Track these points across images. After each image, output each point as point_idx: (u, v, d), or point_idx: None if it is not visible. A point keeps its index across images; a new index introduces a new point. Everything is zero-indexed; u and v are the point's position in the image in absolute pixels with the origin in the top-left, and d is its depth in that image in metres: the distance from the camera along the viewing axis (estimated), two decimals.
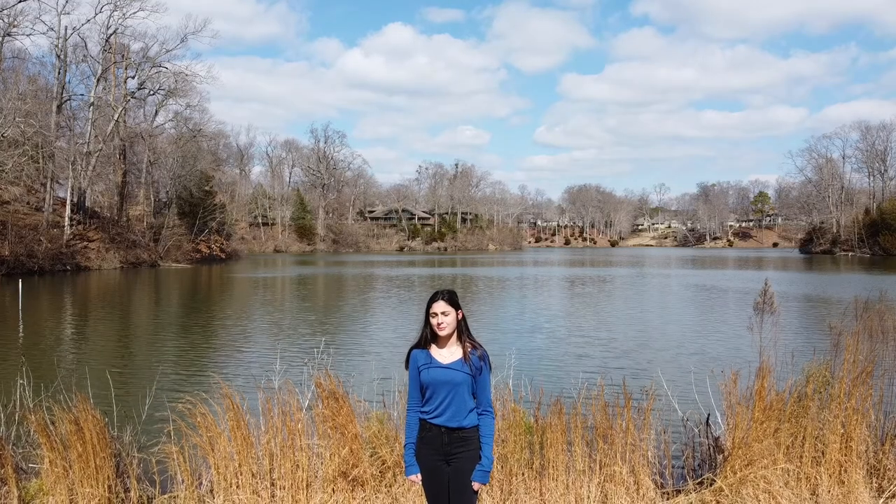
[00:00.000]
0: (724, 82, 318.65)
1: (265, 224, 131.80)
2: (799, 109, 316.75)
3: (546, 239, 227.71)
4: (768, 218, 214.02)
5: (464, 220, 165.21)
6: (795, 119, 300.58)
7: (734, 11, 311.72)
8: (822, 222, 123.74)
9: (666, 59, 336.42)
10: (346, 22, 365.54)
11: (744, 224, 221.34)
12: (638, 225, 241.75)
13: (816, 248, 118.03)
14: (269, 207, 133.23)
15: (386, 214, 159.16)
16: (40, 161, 54.02)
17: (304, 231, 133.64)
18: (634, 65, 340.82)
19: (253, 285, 41.42)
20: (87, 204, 62.39)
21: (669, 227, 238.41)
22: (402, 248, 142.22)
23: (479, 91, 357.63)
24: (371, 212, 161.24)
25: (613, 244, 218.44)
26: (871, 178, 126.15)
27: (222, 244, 79.95)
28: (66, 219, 56.22)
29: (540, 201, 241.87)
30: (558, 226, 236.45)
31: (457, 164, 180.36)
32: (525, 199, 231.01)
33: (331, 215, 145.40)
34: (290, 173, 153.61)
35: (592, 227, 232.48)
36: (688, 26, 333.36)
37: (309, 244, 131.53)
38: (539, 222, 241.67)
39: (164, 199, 74.10)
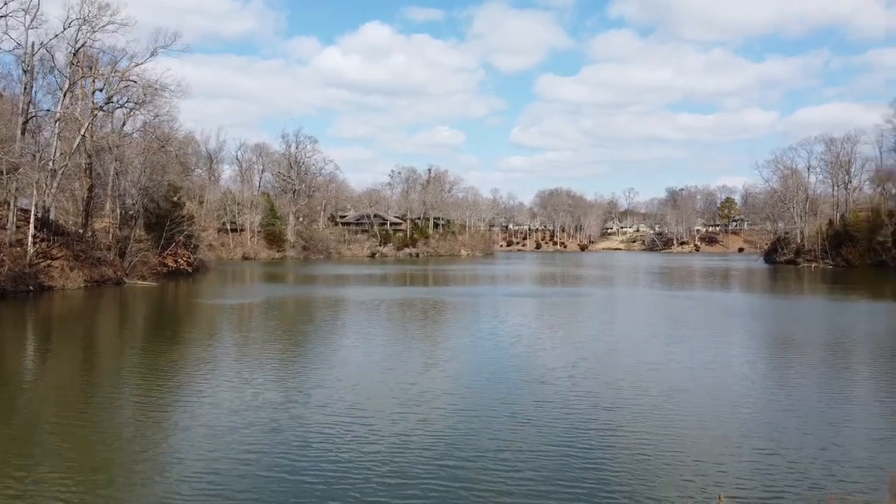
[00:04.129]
0: (700, 84, 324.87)
1: (234, 230, 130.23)
2: (771, 112, 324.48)
3: (518, 243, 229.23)
4: (734, 223, 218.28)
5: (436, 226, 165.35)
6: (767, 122, 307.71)
7: (711, 14, 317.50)
8: (787, 232, 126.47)
9: (643, 61, 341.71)
10: (324, 20, 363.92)
11: (710, 229, 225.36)
12: (607, 228, 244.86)
13: (781, 258, 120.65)
14: (239, 213, 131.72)
15: (358, 220, 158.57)
16: (4, 179, 52.66)
17: (273, 237, 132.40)
18: (611, 66, 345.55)
19: (218, 318, 41.00)
20: (52, 217, 61.00)
21: (638, 230, 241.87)
22: (373, 255, 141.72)
23: (458, 91, 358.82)
24: (343, 217, 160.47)
25: (583, 248, 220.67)
26: (835, 189, 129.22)
27: (189, 258, 78.73)
28: (30, 237, 54.88)
29: (512, 205, 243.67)
30: (529, 229, 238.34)
31: (429, 169, 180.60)
32: (497, 202, 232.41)
33: (301, 221, 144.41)
34: (261, 178, 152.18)
35: (563, 230, 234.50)
36: (665, 28, 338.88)
37: (279, 251, 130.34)
38: (511, 226, 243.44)
39: (130, 212, 72.72)
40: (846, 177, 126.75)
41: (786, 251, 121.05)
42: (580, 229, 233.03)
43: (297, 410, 17.79)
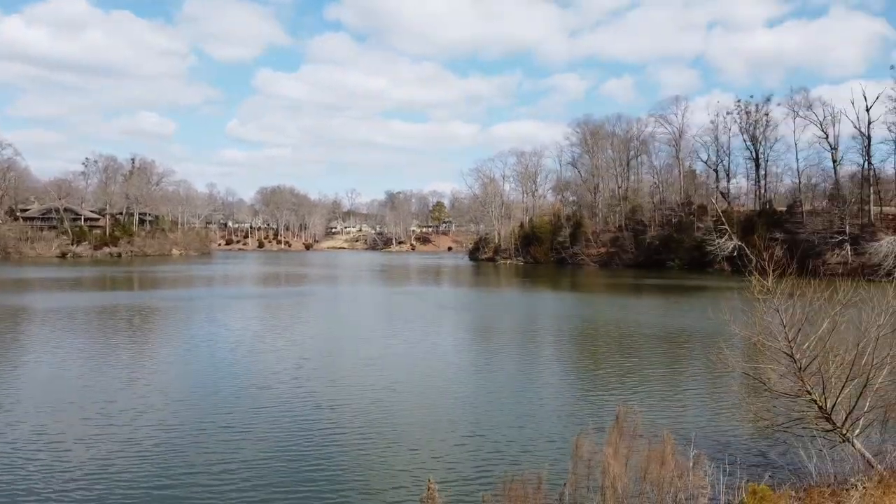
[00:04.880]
0: (412, 95, 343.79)
1: None
2: (473, 125, 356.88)
3: (238, 241, 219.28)
4: (444, 224, 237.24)
5: (142, 222, 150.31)
6: (470, 133, 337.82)
7: (421, 28, 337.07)
8: (487, 233, 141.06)
9: (359, 66, 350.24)
10: None
11: (424, 229, 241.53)
12: (332, 228, 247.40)
13: (482, 256, 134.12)
14: None
15: (43, 214, 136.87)
16: None
17: None
18: (330, 68, 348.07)
19: None
20: None
21: (360, 230, 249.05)
22: (64, 255, 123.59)
23: (165, 75, 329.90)
24: (25, 211, 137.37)
25: (308, 247, 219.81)
26: (525, 196, 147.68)
27: None
28: None
29: (231, 201, 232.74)
30: (251, 227, 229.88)
31: (133, 159, 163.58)
32: (214, 198, 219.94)
33: None
34: None
35: (287, 229, 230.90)
36: (379, 37, 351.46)
37: None
38: (231, 223, 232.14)
39: None
40: (533, 185, 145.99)
41: (486, 250, 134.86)
42: (305, 228, 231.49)
43: None
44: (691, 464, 11.02)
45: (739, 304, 16.02)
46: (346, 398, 19.36)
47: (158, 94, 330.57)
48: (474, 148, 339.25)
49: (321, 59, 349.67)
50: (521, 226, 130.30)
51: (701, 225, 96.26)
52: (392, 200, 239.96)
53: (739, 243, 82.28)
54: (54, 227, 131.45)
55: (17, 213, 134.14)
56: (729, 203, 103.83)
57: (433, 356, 26.66)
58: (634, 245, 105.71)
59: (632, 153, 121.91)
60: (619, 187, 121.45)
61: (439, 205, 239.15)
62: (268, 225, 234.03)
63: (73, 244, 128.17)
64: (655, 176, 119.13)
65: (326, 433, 15.98)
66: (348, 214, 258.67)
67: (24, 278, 70.43)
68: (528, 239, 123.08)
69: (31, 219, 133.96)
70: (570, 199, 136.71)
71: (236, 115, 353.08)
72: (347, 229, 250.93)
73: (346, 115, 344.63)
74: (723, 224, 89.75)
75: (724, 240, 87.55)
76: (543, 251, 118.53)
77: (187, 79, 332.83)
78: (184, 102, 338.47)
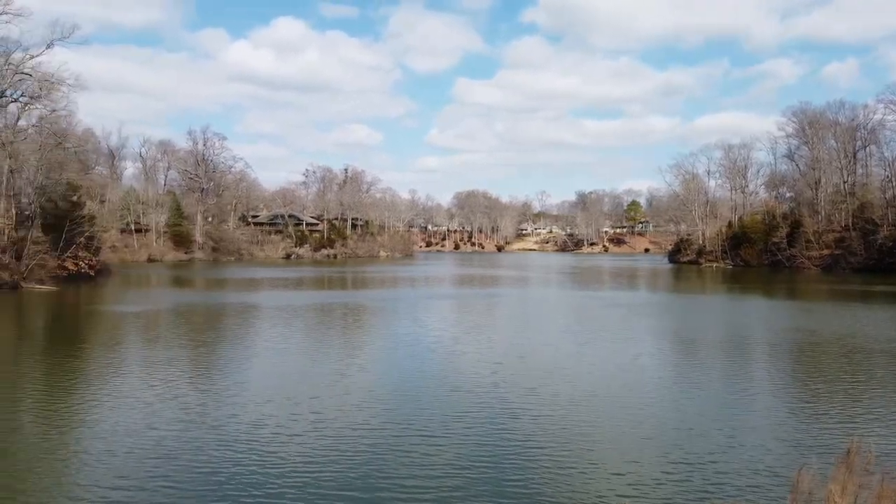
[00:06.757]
0: (605, 91, 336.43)
1: (138, 231, 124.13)
2: (672, 119, 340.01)
3: (437, 243, 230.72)
4: (640, 225, 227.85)
5: (354, 226, 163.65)
6: (667, 128, 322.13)
7: (618, 22, 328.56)
8: (689, 233, 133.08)
9: (552, 68, 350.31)
10: (235, 12, 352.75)
11: (618, 230, 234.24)
12: (522, 230, 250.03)
13: (684, 258, 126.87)
14: (143, 213, 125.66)
15: (271, 220, 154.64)
16: None
17: (180, 238, 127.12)
18: (523, 72, 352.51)
19: (122, 326, 38.93)
20: None
21: (551, 232, 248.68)
22: (288, 256, 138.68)
23: (372, 90, 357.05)
24: (255, 217, 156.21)
25: (500, 249, 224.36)
26: (733, 193, 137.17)
27: (90, 260, 74.35)
28: None
29: (430, 206, 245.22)
30: (448, 230, 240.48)
31: (346, 169, 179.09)
32: (415, 203, 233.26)
33: (210, 221, 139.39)
34: (166, 176, 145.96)
35: (480, 231, 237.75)
36: (573, 36, 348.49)
37: (186, 252, 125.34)
38: (430, 227, 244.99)
39: (26, 212, 68.10)
40: (743, 181, 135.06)
41: (688, 252, 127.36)
42: (496, 230, 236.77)
43: (192, 433, 16.59)
44: None
45: None
46: (540, 408, 19.37)
47: (365, 108, 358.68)
48: (671, 143, 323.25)
49: (516, 63, 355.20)
50: (729, 225, 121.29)
51: None
52: (583, 201, 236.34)
53: None
54: (280, 232, 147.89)
55: (249, 219, 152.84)
56: None
57: (631, 368, 25.73)
58: (863, 247, 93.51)
59: (858, 143, 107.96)
60: (844, 182, 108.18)
61: (634, 204, 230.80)
62: (463, 227, 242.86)
63: (295, 246, 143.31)
64: (887, 169, 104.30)
65: (521, 444, 16.10)
66: (538, 216, 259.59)
67: (254, 278, 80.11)
68: (738, 240, 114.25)
69: (261, 224, 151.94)
70: (787, 195, 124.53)
71: (435, 125, 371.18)
72: (537, 231, 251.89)
73: (536, 116, 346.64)
74: None
75: None
76: (755, 253, 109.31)
77: (391, 92, 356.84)
78: (387, 114, 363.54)
